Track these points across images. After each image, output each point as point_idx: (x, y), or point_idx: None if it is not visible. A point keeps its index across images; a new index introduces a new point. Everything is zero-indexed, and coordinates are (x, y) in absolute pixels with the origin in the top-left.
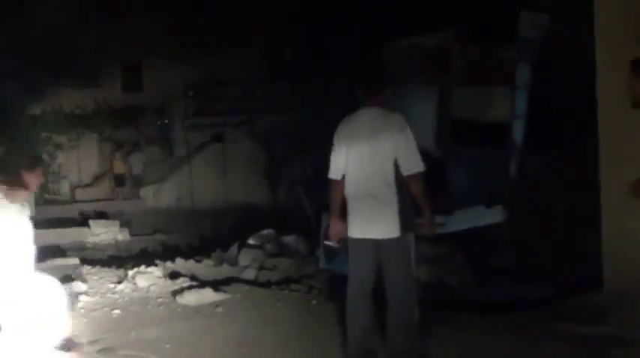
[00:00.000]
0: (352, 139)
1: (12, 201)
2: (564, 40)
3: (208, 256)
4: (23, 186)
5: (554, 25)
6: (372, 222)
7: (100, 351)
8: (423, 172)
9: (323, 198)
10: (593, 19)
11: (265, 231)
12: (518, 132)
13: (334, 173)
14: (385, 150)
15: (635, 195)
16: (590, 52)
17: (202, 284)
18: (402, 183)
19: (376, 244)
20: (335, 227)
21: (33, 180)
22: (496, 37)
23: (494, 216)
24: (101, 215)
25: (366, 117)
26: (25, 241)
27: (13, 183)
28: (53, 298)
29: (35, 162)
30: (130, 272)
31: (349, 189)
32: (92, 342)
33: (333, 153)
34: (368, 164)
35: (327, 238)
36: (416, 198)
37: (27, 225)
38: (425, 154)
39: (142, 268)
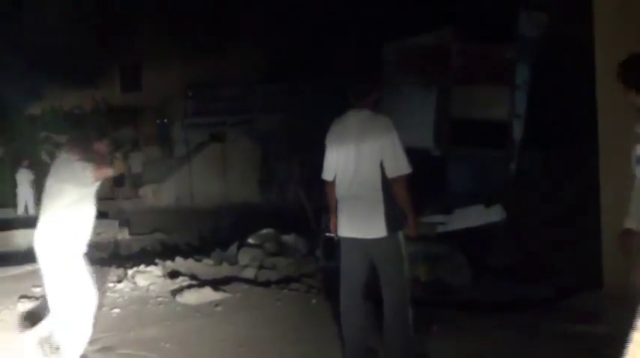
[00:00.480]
0: (341, 141)
1: (96, 180)
2: (564, 39)
3: (208, 255)
4: (104, 162)
5: (554, 24)
6: (359, 222)
7: (99, 350)
8: (409, 175)
9: (321, 197)
10: (593, 19)
11: (265, 230)
12: (517, 131)
13: (327, 174)
14: (371, 152)
15: (622, 250)
16: (590, 52)
17: (202, 283)
18: (388, 184)
19: (365, 244)
20: (334, 222)
21: (105, 150)
22: (495, 36)
23: (493, 215)
24: (100, 214)
25: (354, 119)
26: (90, 224)
27: (92, 159)
28: (87, 298)
29: (100, 131)
30: (130, 272)
31: (338, 190)
32: (91, 341)
33: (325, 154)
34: (355, 165)
35: (329, 231)
36: (399, 200)
37: (94, 208)
38: (424, 153)
39: (142, 267)
